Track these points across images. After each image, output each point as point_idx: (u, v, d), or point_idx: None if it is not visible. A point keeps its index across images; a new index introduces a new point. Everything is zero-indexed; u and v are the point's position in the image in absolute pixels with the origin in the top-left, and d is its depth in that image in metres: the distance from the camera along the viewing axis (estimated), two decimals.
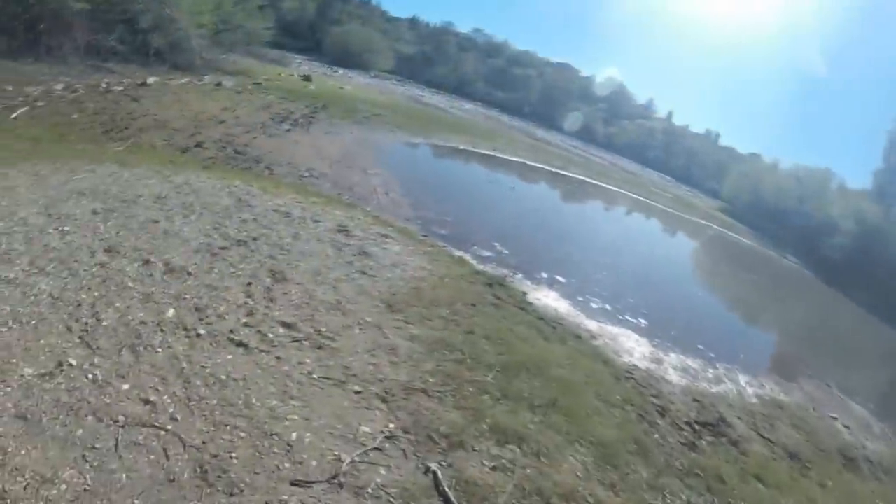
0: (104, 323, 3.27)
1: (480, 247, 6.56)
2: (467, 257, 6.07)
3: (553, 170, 16.22)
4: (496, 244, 6.80)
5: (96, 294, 3.54)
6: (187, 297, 3.80)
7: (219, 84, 12.25)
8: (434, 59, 37.06)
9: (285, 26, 25.18)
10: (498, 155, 14.57)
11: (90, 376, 2.75)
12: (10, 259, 3.60)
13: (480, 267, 5.87)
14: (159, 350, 3.12)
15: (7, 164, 5.37)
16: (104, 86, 9.69)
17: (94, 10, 10.55)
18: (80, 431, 2.36)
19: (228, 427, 2.51)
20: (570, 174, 16.81)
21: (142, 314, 3.45)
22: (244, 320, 3.60)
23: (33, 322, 3.02)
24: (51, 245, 3.96)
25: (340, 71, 24.17)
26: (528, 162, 15.26)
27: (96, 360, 2.89)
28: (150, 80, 10.69)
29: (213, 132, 8.64)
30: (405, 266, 5.18)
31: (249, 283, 4.14)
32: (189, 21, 12.97)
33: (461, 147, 13.86)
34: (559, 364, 3.96)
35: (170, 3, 12.29)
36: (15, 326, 2.91)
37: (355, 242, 5.41)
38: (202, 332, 3.37)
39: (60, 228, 4.28)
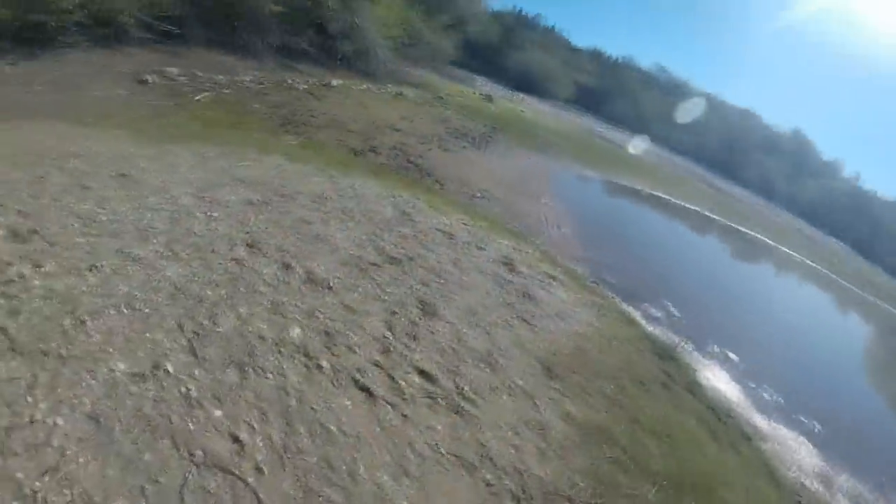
0: (219, 329, 4.42)
1: (650, 303, 9.28)
2: (637, 315, 8.29)
3: (729, 224, 23.02)
4: (667, 301, 9.69)
5: (222, 292, 4.86)
6: (320, 315, 4.86)
7: (400, 93, 18.31)
8: (613, 92, 56.76)
9: (470, 47, 38.37)
10: (673, 200, 21.34)
11: (183, 390, 3.66)
12: (146, 237, 5.27)
13: (650, 329, 7.96)
14: (269, 376, 3.97)
15: (176, 142, 8.21)
16: (289, 82, 14.93)
17: (288, 13, 16.88)
18: (148, 456, 3.09)
19: (320, 500, 3.04)
20: (747, 231, 23.75)
21: (264, 326, 4.53)
22: (377, 358, 4.54)
23: (146, 311, 4.26)
24: (192, 229, 5.66)
25: (521, 95, 38.59)
26: (703, 211, 21.96)
27: (196, 373, 3.89)
28: (335, 82, 16.45)
29: (387, 139, 12.60)
30: (570, 318, 6.84)
31: (394, 313, 5.31)
32: (376, 31, 19.73)
33: (636, 187, 20.43)
34: (727, 482, 5.06)
35: (359, 13, 18.90)
36: (125, 311, 4.19)
37: (519, 280, 7.22)
38: (324, 364, 4.26)
39: (208, 213, 6.11)
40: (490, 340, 5.47)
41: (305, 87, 14.91)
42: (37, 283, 4.31)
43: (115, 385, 3.55)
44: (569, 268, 8.66)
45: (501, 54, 47.05)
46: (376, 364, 4.49)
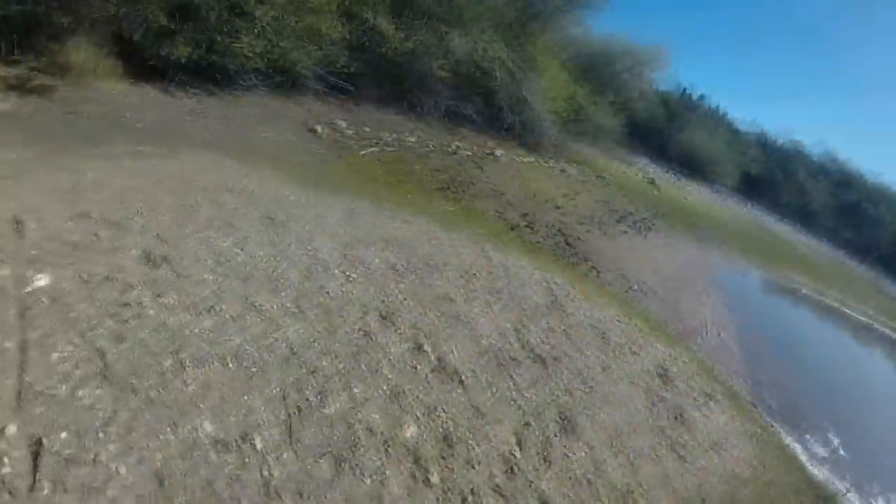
0: (325, 410, 4.07)
1: (813, 433, 8.50)
2: (798, 451, 7.56)
3: None
4: (830, 433, 8.79)
5: (340, 366, 4.56)
6: (442, 414, 4.42)
7: (562, 169, 18.74)
8: (780, 181, 56.73)
9: (634, 126, 39.03)
10: (843, 309, 19.66)
11: (265, 474, 3.36)
12: (276, 287, 5.24)
13: (812, 471, 7.19)
14: (367, 480, 3.56)
15: (331, 192, 8.52)
16: (453, 148, 15.62)
17: (456, 80, 17.82)
18: None
19: None
20: None
21: (376, 417, 4.14)
22: (497, 480, 4.02)
23: (252, 370, 4.08)
24: (326, 288, 5.58)
25: (683, 179, 38.88)
26: (875, 325, 19.82)
27: (285, 456, 3.54)
28: (498, 151, 17.05)
29: (546, 216, 12.71)
30: (726, 452, 6.21)
31: (527, 424, 4.81)
32: (542, 105, 20.42)
33: (803, 290, 19.45)
34: None
35: (526, 85, 19.64)
36: (231, 366, 4.05)
37: (673, 398, 6.69)
38: (434, 477, 3.79)
39: (347, 273, 6.05)
40: (633, 473, 4.84)
41: (468, 153, 15.45)
42: (151, 313, 4.32)
43: (195, 447, 3.37)
44: (728, 385, 7.95)
45: (665, 135, 47.44)
46: (495, 489, 3.97)
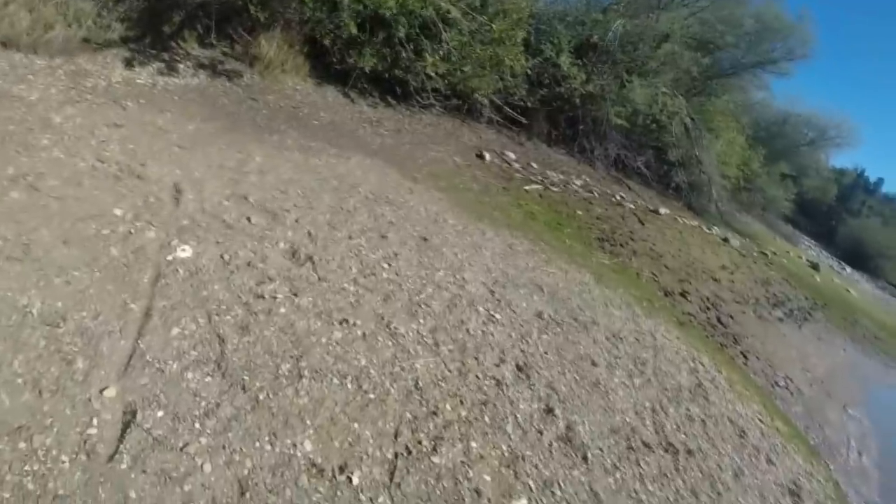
0: (435, 458, 3.58)
1: None
2: None
3: None
4: None
5: (462, 414, 4.07)
6: (558, 492, 3.83)
7: (725, 239, 17.50)
8: None
9: (801, 203, 36.84)
10: None
11: None
12: (415, 313, 4.92)
13: None
14: None
15: (491, 224, 8.24)
16: (618, 198, 15.07)
17: (630, 130, 17.42)
18: None
19: None
20: None
21: (487, 479, 3.60)
22: None
23: (371, 397, 3.73)
24: (467, 324, 5.18)
25: (848, 270, 35.32)
26: None
27: (379, 500, 3.15)
28: (662, 210, 16.23)
29: (702, 287, 11.95)
30: None
31: None
32: (714, 168, 19.33)
33: None
34: None
35: (700, 145, 18.55)
36: (349, 387, 3.73)
37: None
38: None
39: (491, 313, 5.62)
40: None
41: (632, 206, 14.87)
42: (283, 311, 4.12)
43: (288, 465, 3.08)
44: None
45: (834, 217, 44.86)
46: None
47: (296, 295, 4.35)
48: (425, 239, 6.41)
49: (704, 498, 4.96)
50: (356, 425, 3.52)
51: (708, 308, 10.95)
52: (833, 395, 10.84)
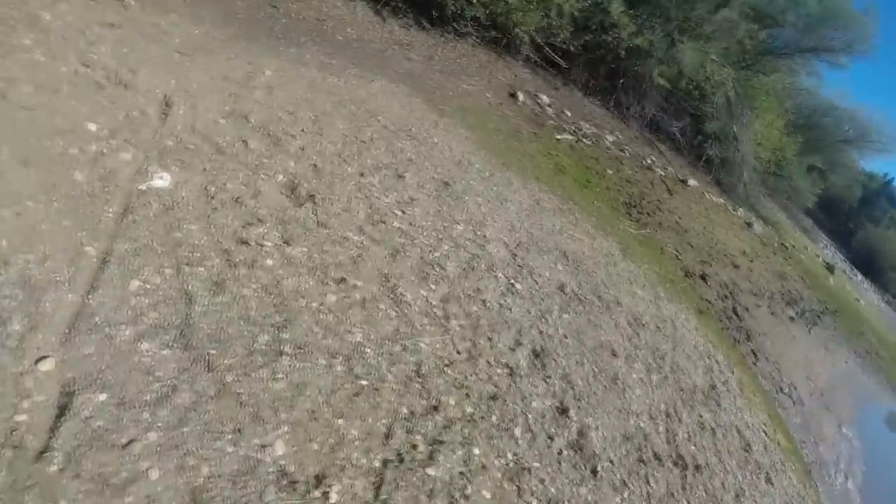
0: (430, 471, 3.00)
1: None
2: None
3: None
4: None
5: (467, 411, 3.42)
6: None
7: (749, 223, 17.39)
8: None
9: (824, 200, 35.90)
10: None
11: None
12: (426, 275, 4.26)
13: None
14: None
15: (519, 173, 7.54)
16: (648, 161, 14.44)
17: (671, 92, 16.50)
18: None
19: None
20: None
21: (486, 495, 3.07)
22: None
23: (363, 384, 3.08)
24: (484, 293, 4.53)
25: (859, 276, 35.21)
26: None
27: None
28: (691, 182, 15.79)
29: (722, 272, 11.77)
30: None
31: None
32: (749, 148, 18.72)
33: None
34: None
35: (740, 122, 17.84)
36: (339, 370, 3.12)
37: None
38: None
39: (512, 281, 4.99)
40: None
41: (662, 173, 14.40)
42: (269, 263, 3.44)
43: (254, 472, 2.48)
44: None
45: (852, 220, 44.70)
46: None
47: (287, 243, 3.64)
48: (447, 184, 5.69)
49: None
50: (341, 422, 2.89)
51: (726, 297, 10.86)
52: (831, 410, 10.97)
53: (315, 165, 4.56)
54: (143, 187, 3.41)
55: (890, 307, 36.37)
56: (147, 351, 2.62)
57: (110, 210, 3.16)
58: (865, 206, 46.26)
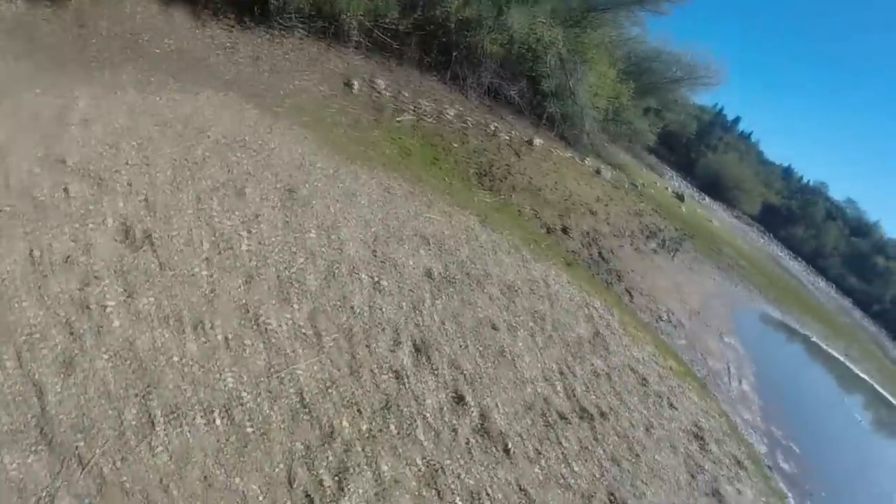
0: (344, 502, 2.93)
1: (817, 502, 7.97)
2: None
3: None
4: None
5: (364, 428, 3.33)
6: (486, 493, 3.45)
7: (598, 170, 18.27)
8: (797, 217, 58.44)
9: (664, 136, 38.65)
10: (849, 365, 19.67)
11: None
12: (287, 296, 4.07)
13: None
14: None
15: (363, 164, 7.32)
16: (492, 128, 14.60)
17: (505, 59, 16.71)
18: None
19: None
20: None
21: None
22: None
23: (249, 432, 2.94)
24: (351, 300, 4.36)
25: (707, 199, 38.90)
26: (880, 389, 19.31)
27: None
28: (537, 141, 16.19)
29: (581, 222, 12.16)
30: None
31: None
32: (587, 100, 19.47)
33: (813, 338, 19.60)
34: None
35: (574, 77, 18.54)
36: (220, 424, 2.92)
37: (710, 468, 5.89)
38: None
39: (376, 279, 4.84)
40: None
41: (507, 138, 14.61)
42: (117, 325, 3.12)
43: None
44: (752, 450, 7.49)
45: (694, 150, 48.43)
46: None
47: (131, 296, 3.32)
48: (291, 191, 5.45)
49: (626, 464, 4.78)
50: (238, 480, 2.71)
51: (589, 244, 11.21)
52: (709, 324, 11.61)
53: (146, 200, 4.18)
54: None
55: (739, 221, 40.62)
56: (11, 464, 2.31)
57: None
58: (702, 136, 50.37)
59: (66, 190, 3.97)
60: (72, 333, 2.92)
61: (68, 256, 3.38)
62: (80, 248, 3.49)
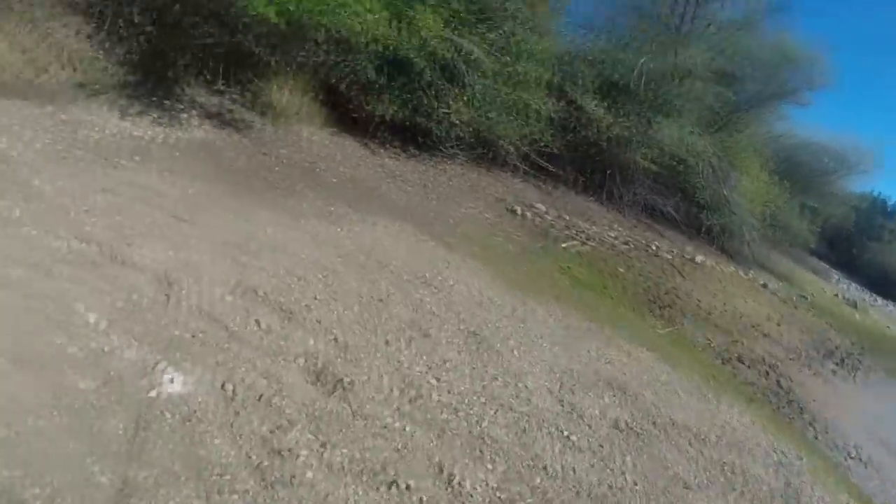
0: None
1: None
2: None
3: None
4: None
5: None
6: None
7: (764, 284, 17.03)
8: None
9: (824, 234, 35.42)
10: None
11: None
12: (480, 455, 3.72)
13: None
14: None
15: (538, 298, 7.07)
16: (653, 248, 14.25)
17: (658, 173, 16.59)
18: None
19: None
20: None
21: None
22: None
23: None
24: (544, 461, 3.95)
25: (879, 300, 34.05)
26: None
27: None
28: (699, 258, 15.58)
29: (754, 345, 11.29)
30: None
31: None
32: (743, 208, 18.60)
33: None
34: None
35: (728, 185, 17.93)
36: None
37: None
38: None
39: (566, 434, 4.42)
40: None
41: (668, 256, 14.27)
42: (311, 476, 2.89)
43: None
44: None
45: (854, 245, 44.24)
46: None
47: (324, 446, 3.11)
48: (475, 333, 5.22)
49: None
50: None
51: (767, 373, 10.44)
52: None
53: (336, 339, 4.10)
54: (154, 393, 2.91)
55: None
56: None
57: (120, 426, 2.65)
58: (862, 227, 46.34)
59: (257, 321, 3.99)
60: (263, 480, 2.73)
61: (261, 395, 3.28)
62: (273, 387, 3.40)
